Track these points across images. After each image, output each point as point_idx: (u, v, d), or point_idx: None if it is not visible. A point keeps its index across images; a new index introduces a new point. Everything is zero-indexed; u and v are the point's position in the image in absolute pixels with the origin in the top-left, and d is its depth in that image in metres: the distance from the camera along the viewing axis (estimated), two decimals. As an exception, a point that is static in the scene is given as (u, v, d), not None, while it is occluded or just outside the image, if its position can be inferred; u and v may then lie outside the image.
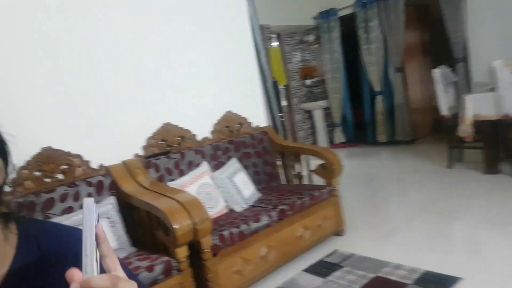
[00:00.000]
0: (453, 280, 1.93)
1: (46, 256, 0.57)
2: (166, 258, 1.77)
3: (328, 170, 2.71)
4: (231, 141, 2.85)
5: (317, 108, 6.72)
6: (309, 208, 2.52)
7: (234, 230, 2.06)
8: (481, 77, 4.73)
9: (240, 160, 2.82)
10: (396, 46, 5.59)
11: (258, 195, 2.66)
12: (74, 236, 0.58)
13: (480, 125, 3.62)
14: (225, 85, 3.03)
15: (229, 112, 3.00)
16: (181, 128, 2.60)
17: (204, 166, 2.51)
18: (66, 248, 0.57)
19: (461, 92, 4.78)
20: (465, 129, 3.64)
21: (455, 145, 4.16)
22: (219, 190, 2.44)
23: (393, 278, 2.05)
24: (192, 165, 2.50)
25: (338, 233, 2.75)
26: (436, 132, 6.53)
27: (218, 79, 2.98)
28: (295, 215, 2.42)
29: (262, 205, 2.46)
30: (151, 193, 1.99)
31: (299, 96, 6.83)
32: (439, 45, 6.85)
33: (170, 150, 2.49)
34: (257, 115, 3.31)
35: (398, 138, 5.94)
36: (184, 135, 2.60)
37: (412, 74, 6.01)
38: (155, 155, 2.37)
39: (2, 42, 1.89)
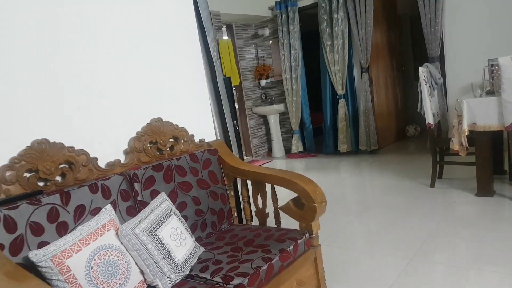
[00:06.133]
0: None
1: None
2: None
3: (305, 209, 1.82)
4: (159, 166, 1.85)
5: (273, 113, 5.88)
6: (279, 273, 1.61)
7: None
8: (459, 78, 4.21)
9: (173, 196, 1.84)
10: (364, 43, 4.91)
11: (199, 251, 1.70)
12: None
13: (477, 137, 2.97)
14: (152, 80, 2.02)
15: (157, 120, 2.00)
16: (70, 147, 1.55)
17: (107, 213, 1.48)
18: None
19: (439, 95, 4.21)
20: (458, 141, 2.97)
21: (440, 160, 3.52)
22: (131, 254, 1.44)
23: None
24: (83, 213, 1.46)
25: (319, 301, 1.87)
26: (399, 140, 6.03)
27: (139, 69, 1.96)
28: (259, 290, 1.49)
29: (204, 276, 1.50)
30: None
31: (253, 99, 5.95)
32: (406, 44, 6.38)
33: (44, 188, 1.43)
34: (203, 125, 2.34)
35: (362, 148, 5.28)
36: (73, 160, 1.55)
37: (378, 76, 5.39)
38: (9, 200, 1.30)
39: None
